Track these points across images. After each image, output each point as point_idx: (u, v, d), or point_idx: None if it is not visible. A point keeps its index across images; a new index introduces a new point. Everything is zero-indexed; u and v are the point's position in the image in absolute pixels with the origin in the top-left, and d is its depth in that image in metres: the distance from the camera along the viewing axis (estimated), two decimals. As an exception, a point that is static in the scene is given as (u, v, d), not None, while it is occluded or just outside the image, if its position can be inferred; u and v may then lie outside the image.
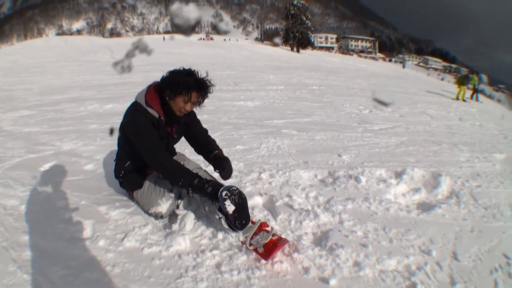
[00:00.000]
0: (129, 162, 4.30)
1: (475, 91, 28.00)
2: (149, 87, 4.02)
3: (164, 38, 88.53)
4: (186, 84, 3.78)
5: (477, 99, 27.56)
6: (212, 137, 4.59)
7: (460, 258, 3.43)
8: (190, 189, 3.75)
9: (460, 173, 5.67)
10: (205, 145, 4.46)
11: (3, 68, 29.59)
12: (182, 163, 4.33)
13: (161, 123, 4.01)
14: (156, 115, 3.93)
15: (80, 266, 3.28)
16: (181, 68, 3.93)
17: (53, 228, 3.92)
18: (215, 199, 3.62)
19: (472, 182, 5.28)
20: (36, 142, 7.69)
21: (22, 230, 3.88)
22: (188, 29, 1.49)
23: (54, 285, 3.05)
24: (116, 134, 4.09)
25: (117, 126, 4.17)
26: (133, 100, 4.06)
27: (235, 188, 3.58)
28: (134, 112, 3.96)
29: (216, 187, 3.62)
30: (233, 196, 3.52)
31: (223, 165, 4.11)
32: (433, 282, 3.11)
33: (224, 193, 3.50)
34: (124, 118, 4.07)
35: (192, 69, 3.92)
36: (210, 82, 3.96)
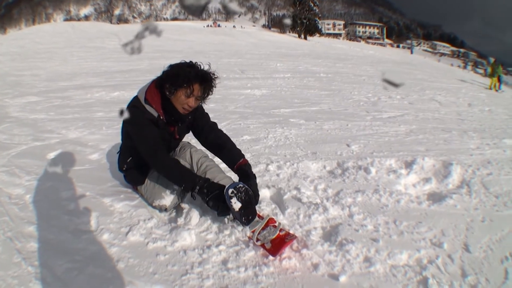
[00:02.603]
0: (131, 158, 4.23)
1: (498, 80, 28.28)
2: (151, 82, 3.89)
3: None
4: (188, 76, 3.64)
5: (499, 88, 27.85)
6: (229, 138, 4.31)
7: (471, 250, 3.37)
8: (192, 193, 3.72)
9: (470, 161, 5.59)
10: (222, 148, 4.21)
11: (11, 53, 29.71)
12: (189, 151, 4.23)
13: (161, 123, 3.88)
14: (155, 114, 3.81)
15: (84, 260, 3.24)
16: (182, 61, 3.79)
17: (58, 220, 3.89)
18: (216, 210, 3.63)
19: (482, 170, 5.19)
20: (42, 130, 7.71)
21: (27, 221, 3.85)
22: (197, 9, 1.42)
23: (58, 279, 3.01)
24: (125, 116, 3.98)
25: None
26: (136, 94, 3.94)
27: (241, 186, 3.51)
28: (132, 109, 3.84)
29: (217, 201, 3.58)
30: (239, 194, 3.45)
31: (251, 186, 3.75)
32: (445, 275, 3.05)
33: (230, 190, 3.44)
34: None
35: (194, 62, 3.78)
36: (214, 74, 3.81)
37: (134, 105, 3.85)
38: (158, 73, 3.85)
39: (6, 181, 4.84)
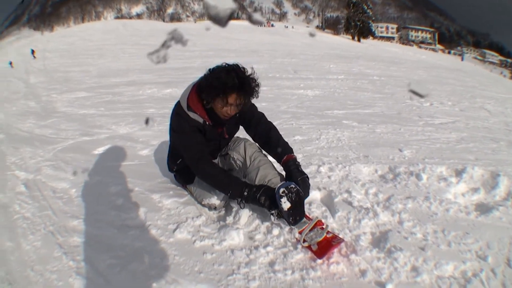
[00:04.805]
0: (180, 159, 4.21)
1: None
2: (192, 88, 3.80)
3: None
4: (222, 86, 3.47)
5: None
6: (276, 130, 4.15)
7: None
8: (240, 199, 3.67)
9: None
10: (268, 142, 4.07)
11: (59, 49, 30.44)
12: (243, 145, 4.19)
13: (208, 127, 3.82)
14: (200, 120, 3.75)
15: (128, 256, 3.28)
16: (223, 65, 3.61)
17: (104, 215, 3.96)
18: (272, 208, 3.54)
19: None
20: (91, 125, 7.90)
21: (71, 215, 3.92)
22: (222, 19, 1.39)
23: (100, 275, 3.04)
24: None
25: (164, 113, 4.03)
26: (178, 99, 3.89)
27: (293, 186, 3.45)
28: (176, 117, 3.82)
29: (271, 196, 3.50)
30: (290, 194, 3.40)
31: (297, 183, 3.64)
32: None
33: (281, 190, 3.40)
34: (170, 119, 3.95)
35: (235, 65, 3.61)
36: (255, 81, 3.63)
37: (178, 113, 3.81)
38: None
39: (51, 175, 4.97)
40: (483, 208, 4.25)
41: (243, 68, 3.60)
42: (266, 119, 4.18)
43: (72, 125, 7.88)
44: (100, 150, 6.07)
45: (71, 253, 3.26)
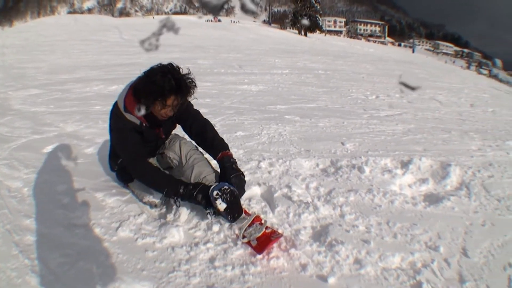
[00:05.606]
0: (121, 159, 4.22)
1: None
2: (129, 89, 3.81)
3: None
4: (160, 89, 3.52)
5: None
6: (212, 126, 4.23)
7: (470, 254, 3.30)
8: (176, 198, 3.70)
9: (471, 163, 5.48)
10: (203, 139, 4.16)
11: (15, 45, 29.82)
12: (178, 143, 4.25)
13: (144, 128, 3.86)
14: (137, 122, 3.79)
15: (76, 254, 3.30)
16: (157, 66, 3.65)
17: (52, 214, 3.98)
18: (209, 207, 3.61)
19: (484, 172, 5.08)
20: (42, 123, 7.81)
21: (24, 214, 3.95)
22: (216, 7, 1.45)
23: (52, 273, 3.08)
24: None
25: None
26: (116, 99, 3.94)
27: (226, 187, 3.53)
28: (114, 118, 3.87)
29: (207, 195, 3.56)
30: (224, 195, 3.48)
31: (231, 181, 3.74)
32: (440, 280, 3.00)
33: (215, 192, 3.48)
34: (109, 119, 3.99)
35: (170, 65, 3.64)
36: (192, 80, 3.69)
37: (116, 113, 3.85)
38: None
39: (6, 174, 4.97)
40: (432, 199, 4.34)
41: (178, 67, 3.66)
42: (202, 116, 4.26)
43: (25, 123, 7.80)
44: (49, 148, 6.07)
45: (26, 252, 3.30)
